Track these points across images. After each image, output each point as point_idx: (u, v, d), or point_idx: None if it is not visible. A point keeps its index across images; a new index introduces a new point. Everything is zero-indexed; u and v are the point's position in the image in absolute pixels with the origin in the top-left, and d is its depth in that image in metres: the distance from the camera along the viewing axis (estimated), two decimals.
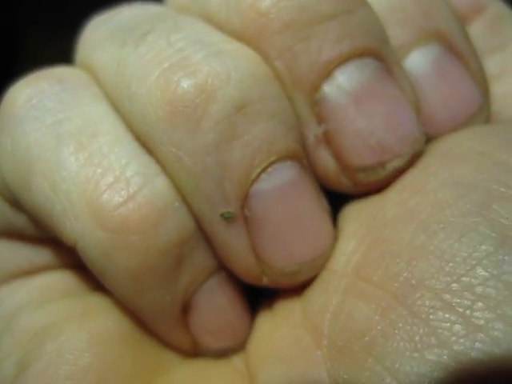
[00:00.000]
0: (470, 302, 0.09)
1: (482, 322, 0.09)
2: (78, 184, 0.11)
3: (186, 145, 0.11)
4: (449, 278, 0.10)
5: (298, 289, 0.13)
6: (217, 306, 0.13)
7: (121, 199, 0.11)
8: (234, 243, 0.12)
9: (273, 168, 0.11)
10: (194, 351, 0.13)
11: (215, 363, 0.13)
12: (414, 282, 0.10)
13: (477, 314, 0.09)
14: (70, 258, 0.13)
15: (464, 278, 0.09)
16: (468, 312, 0.09)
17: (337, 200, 0.13)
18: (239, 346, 0.13)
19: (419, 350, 0.09)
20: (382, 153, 0.12)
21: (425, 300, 0.10)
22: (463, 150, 0.12)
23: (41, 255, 0.14)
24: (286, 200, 0.11)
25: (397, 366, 0.09)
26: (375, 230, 0.11)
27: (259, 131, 0.11)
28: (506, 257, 0.09)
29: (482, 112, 0.13)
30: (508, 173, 0.11)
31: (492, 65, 0.14)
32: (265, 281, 0.12)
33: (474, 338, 0.09)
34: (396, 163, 0.12)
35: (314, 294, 0.12)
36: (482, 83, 0.13)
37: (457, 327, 0.09)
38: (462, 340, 0.09)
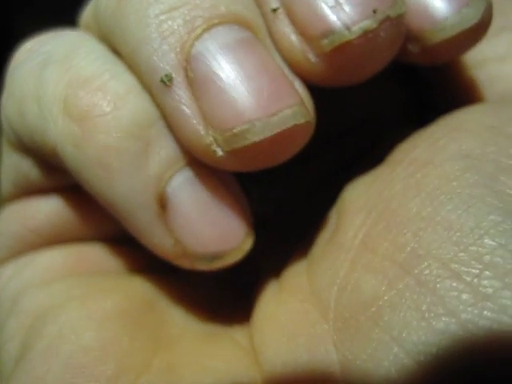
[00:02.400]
0: (477, 271, 0.09)
1: (489, 290, 0.09)
2: (56, 93, 0.12)
3: (130, 22, 0.11)
4: (456, 248, 0.10)
5: (305, 264, 0.13)
6: (194, 202, 0.12)
7: (85, 91, 0.12)
8: (180, 108, 0.11)
9: (216, 29, 0.11)
10: (184, 260, 0.12)
11: (217, 340, 0.13)
12: (421, 252, 0.10)
13: (484, 282, 0.09)
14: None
15: (471, 248, 0.09)
16: (476, 281, 0.09)
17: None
18: (233, 254, 0.12)
19: (426, 318, 0.09)
20: (342, 12, 0.11)
21: (432, 269, 0.10)
22: (472, 124, 0.12)
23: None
24: (230, 57, 0.11)
25: (404, 335, 0.09)
26: (382, 202, 0.11)
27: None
28: None
29: None
30: None
31: (499, 45, 0.14)
32: (218, 154, 0.11)
33: (482, 307, 0.09)
34: (364, 25, 0.11)
35: (321, 269, 0.12)
36: None
37: (464, 296, 0.09)
38: (469, 308, 0.09)
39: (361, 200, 0.12)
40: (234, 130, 0.11)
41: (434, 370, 0.09)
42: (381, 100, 0.16)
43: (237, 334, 0.13)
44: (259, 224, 0.13)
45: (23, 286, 0.14)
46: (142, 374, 0.12)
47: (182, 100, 0.11)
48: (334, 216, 0.13)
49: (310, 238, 0.14)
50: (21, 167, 0.14)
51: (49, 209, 0.14)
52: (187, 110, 0.11)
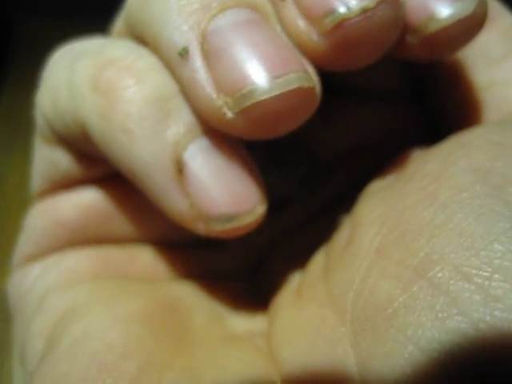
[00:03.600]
0: (488, 274, 0.10)
1: (499, 292, 0.09)
2: (85, 75, 0.13)
3: (154, 9, 0.13)
4: (467, 253, 0.10)
5: (321, 272, 0.13)
6: (209, 167, 0.13)
7: (112, 69, 0.13)
8: (195, 76, 0.12)
9: (230, 10, 0.12)
10: (199, 223, 0.13)
11: (236, 343, 0.14)
12: (434, 257, 0.10)
13: (494, 284, 0.10)
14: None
15: (482, 252, 0.10)
16: (486, 283, 0.10)
17: None
18: (247, 217, 0.13)
19: (440, 318, 0.10)
20: None
21: (445, 273, 0.10)
22: (481, 141, 0.12)
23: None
24: (241, 31, 0.12)
25: (419, 334, 0.10)
26: (396, 214, 0.12)
27: None
28: None
29: None
30: None
31: (506, 69, 0.15)
32: (228, 116, 0.12)
33: (493, 307, 0.09)
34: (363, 4, 0.11)
35: (337, 276, 0.13)
36: None
37: (476, 297, 0.10)
38: (481, 309, 0.09)
39: (374, 213, 0.13)
40: (242, 91, 0.12)
41: (447, 366, 0.09)
42: (395, 119, 0.17)
43: (256, 337, 0.14)
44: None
45: (50, 286, 0.14)
46: (166, 372, 0.12)
47: (197, 69, 0.12)
48: (348, 227, 0.14)
49: (325, 248, 0.14)
50: (52, 159, 0.15)
51: (78, 202, 0.15)
52: (201, 78, 0.12)
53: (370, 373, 0.10)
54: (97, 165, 0.14)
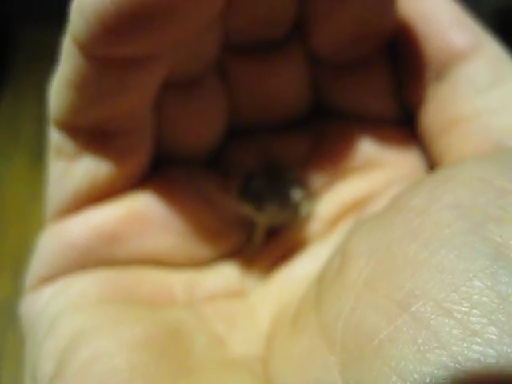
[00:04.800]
0: (467, 309, 0.10)
1: (477, 326, 0.10)
2: None
3: None
4: (448, 288, 0.11)
5: (314, 300, 0.14)
6: None
7: None
8: None
9: None
10: None
11: (234, 368, 0.14)
12: (417, 292, 0.11)
13: (473, 319, 0.10)
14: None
15: (462, 288, 0.11)
16: (465, 318, 0.10)
17: None
18: None
19: (422, 351, 0.10)
20: None
21: (427, 307, 0.11)
22: (465, 176, 0.13)
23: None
24: None
25: (401, 365, 0.10)
26: (383, 247, 0.13)
27: None
28: (500, 270, 0.11)
29: None
30: (504, 197, 0.12)
31: (493, 98, 0.16)
32: None
33: (471, 341, 0.10)
34: None
35: (327, 306, 0.13)
36: None
37: (455, 331, 0.10)
38: (459, 342, 0.10)
39: (363, 244, 0.13)
40: None
41: None
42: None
43: (254, 362, 0.15)
44: None
45: (59, 309, 0.15)
46: None
47: None
48: (338, 256, 0.14)
49: (318, 275, 0.15)
50: (70, 174, 0.15)
51: (86, 224, 0.16)
52: None
53: None
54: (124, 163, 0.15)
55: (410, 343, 0.11)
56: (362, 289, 0.12)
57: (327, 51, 0.17)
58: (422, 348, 0.10)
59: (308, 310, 0.14)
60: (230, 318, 0.16)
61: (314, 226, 0.18)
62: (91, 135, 0.15)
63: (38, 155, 0.83)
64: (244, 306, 0.17)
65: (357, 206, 0.17)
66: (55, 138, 0.15)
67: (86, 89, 0.14)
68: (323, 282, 0.14)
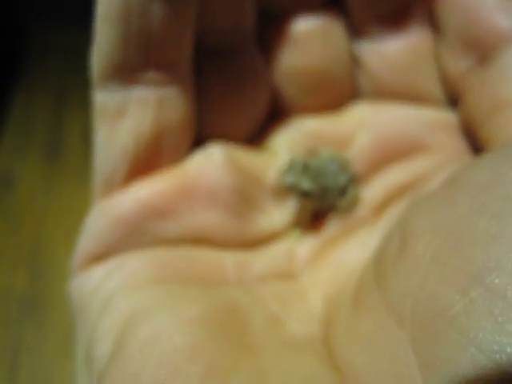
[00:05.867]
0: None
1: None
2: None
3: None
4: None
5: (373, 281, 0.14)
6: None
7: None
8: None
9: None
10: None
11: (299, 348, 0.14)
12: (490, 264, 0.11)
13: None
14: None
15: None
16: None
17: None
18: None
19: (499, 322, 0.10)
20: None
21: (502, 279, 0.11)
22: None
23: None
24: None
25: (480, 337, 0.10)
26: (449, 223, 0.13)
27: None
28: None
29: None
30: None
31: None
32: None
33: None
34: None
35: (392, 284, 0.13)
36: None
37: None
38: None
39: (426, 221, 0.13)
40: None
41: (508, 367, 0.10)
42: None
43: (314, 341, 0.14)
44: None
45: (113, 289, 0.15)
46: (232, 374, 0.13)
47: None
48: (397, 236, 0.14)
49: (373, 258, 0.15)
50: (114, 134, 0.16)
51: (134, 198, 0.16)
52: None
53: (433, 374, 0.11)
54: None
55: (487, 314, 0.11)
56: (430, 264, 0.12)
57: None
58: (499, 319, 0.10)
59: (369, 291, 0.14)
60: (283, 298, 0.16)
61: (362, 211, 0.18)
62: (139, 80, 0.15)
63: (52, 152, 0.84)
64: (295, 288, 0.17)
65: (403, 191, 0.17)
66: (100, 98, 0.15)
67: (135, 19, 0.14)
68: (383, 262, 0.14)
